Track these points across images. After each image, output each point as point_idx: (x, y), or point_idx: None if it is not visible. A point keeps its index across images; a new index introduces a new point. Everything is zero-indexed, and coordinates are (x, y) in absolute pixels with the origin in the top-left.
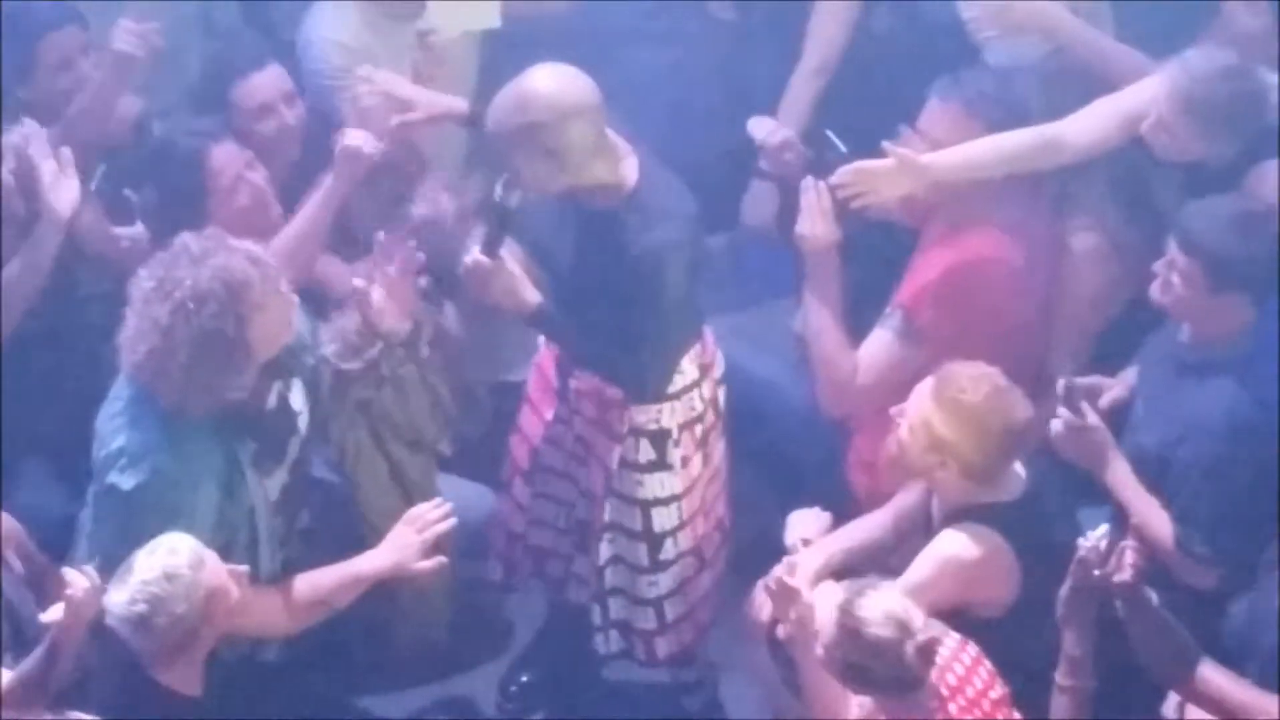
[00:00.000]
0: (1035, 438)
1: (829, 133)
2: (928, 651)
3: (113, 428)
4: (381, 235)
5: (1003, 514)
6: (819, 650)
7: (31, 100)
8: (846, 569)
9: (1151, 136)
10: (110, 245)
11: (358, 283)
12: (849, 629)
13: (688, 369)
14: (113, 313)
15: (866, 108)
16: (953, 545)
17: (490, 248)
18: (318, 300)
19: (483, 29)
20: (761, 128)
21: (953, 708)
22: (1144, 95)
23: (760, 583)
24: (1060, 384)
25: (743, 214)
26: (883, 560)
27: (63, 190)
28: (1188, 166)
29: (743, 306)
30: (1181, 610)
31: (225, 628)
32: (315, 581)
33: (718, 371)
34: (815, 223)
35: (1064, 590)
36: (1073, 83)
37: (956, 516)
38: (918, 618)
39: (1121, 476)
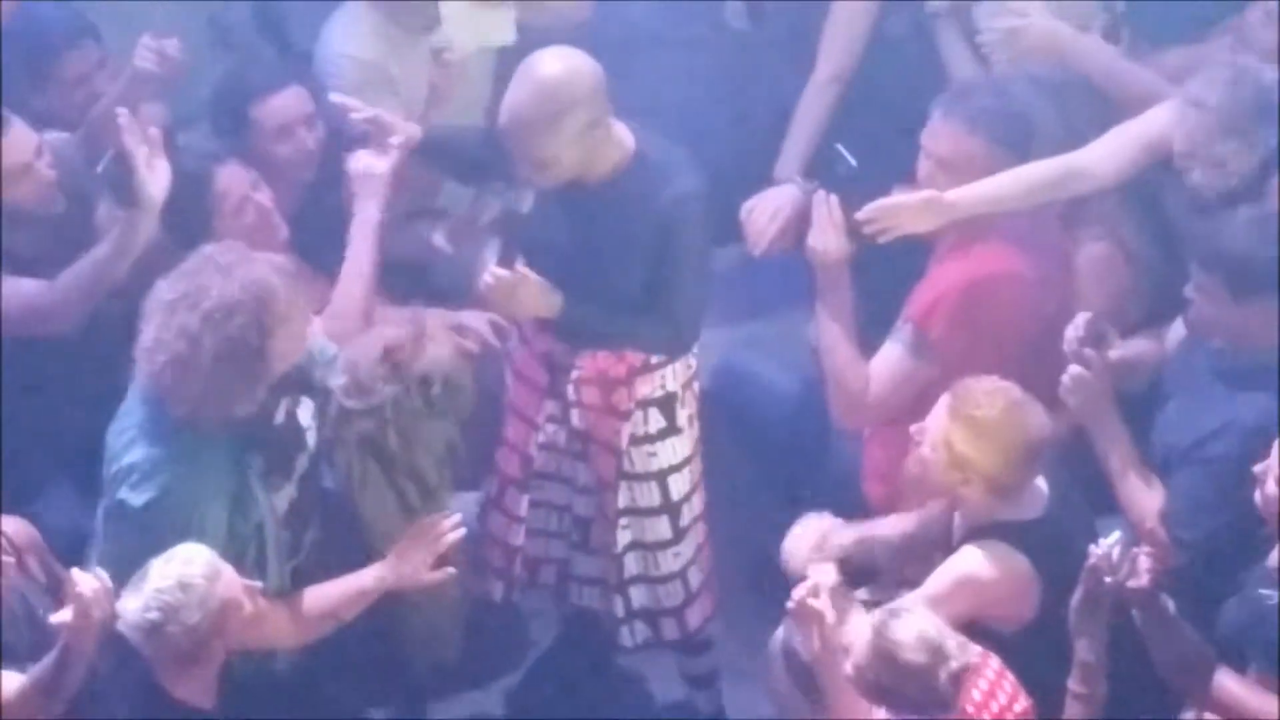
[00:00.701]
0: (1054, 447)
1: (839, 147)
2: (960, 678)
3: (123, 443)
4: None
5: (1025, 532)
6: (849, 669)
7: (48, 112)
8: (855, 564)
9: (1208, 181)
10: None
11: (394, 333)
12: (883, 651)
13: None
14: (127, 322)
15: (880, 116)
16: (972, 563)
17: (508, 259)
18: None
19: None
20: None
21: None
22: (1161, 120)
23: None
24: (1084, 318)
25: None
26: (897, 570)
27: (156, 175)
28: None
29: (756, 315)
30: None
31: (237, 641)
32: (323, 594)
33: None
34: (826, 237)
35: (1076, 597)
36: (1079, 95)
37: (978, 533)
38: (952, 643)
39: (1116, 437)
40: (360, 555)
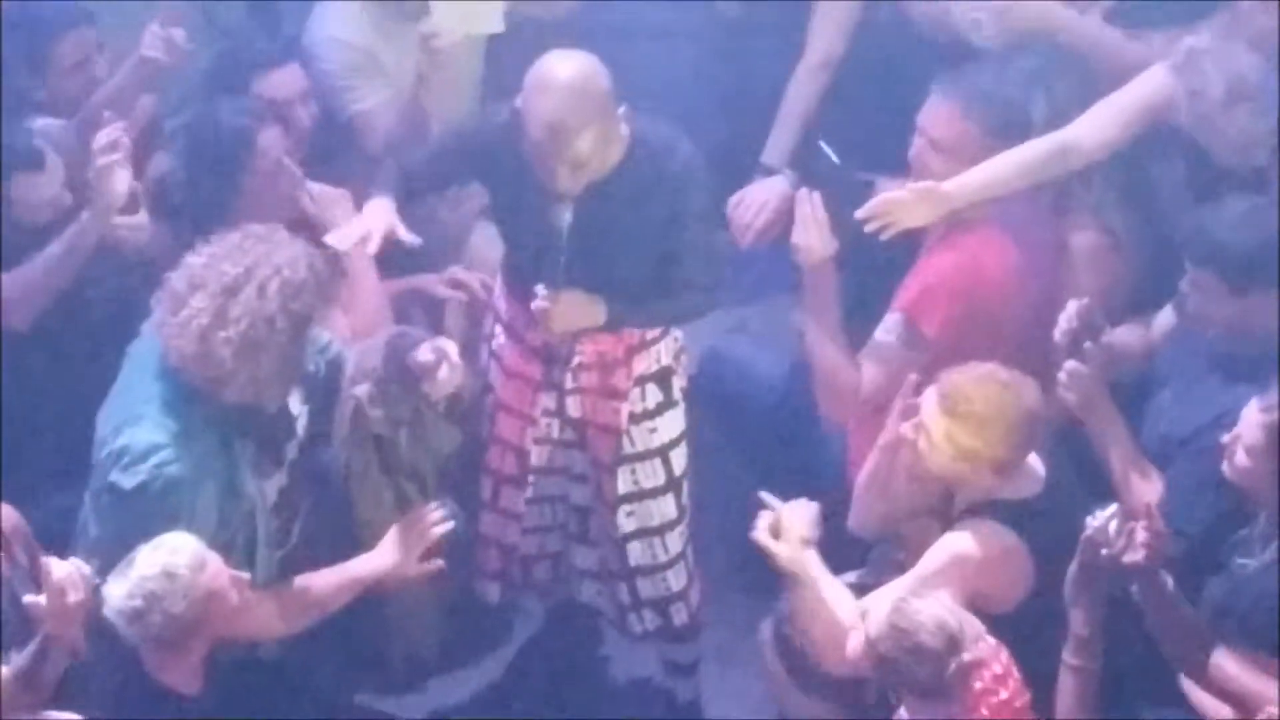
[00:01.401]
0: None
1: (822, 144)
2: (970, 670)
3: (114, 426)
4: None
5: (1022, 511)
6: (861, 641)
7: (42, 98)
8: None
9: (1225, 158)
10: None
11: (428, 356)
12: (900, 630)
13: None
14: (117, 311)
15: (869, 103)
16: (965, 542)
17: (555, 279)
18: None
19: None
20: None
21: (984, 711)
22: (1148, 87)
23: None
24: (1076, 307)
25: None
26: (892, 555)
27: (115, 179)
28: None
29: (745, 301)
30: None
31: (223, 630)
32: (311, 584)
33: None
34: (810, 234)
35: (1072, 569)
36: (1072, 70)
37: (976, 511)
38: (969, 633)
39: (1113, 429)
40: (351, 545)
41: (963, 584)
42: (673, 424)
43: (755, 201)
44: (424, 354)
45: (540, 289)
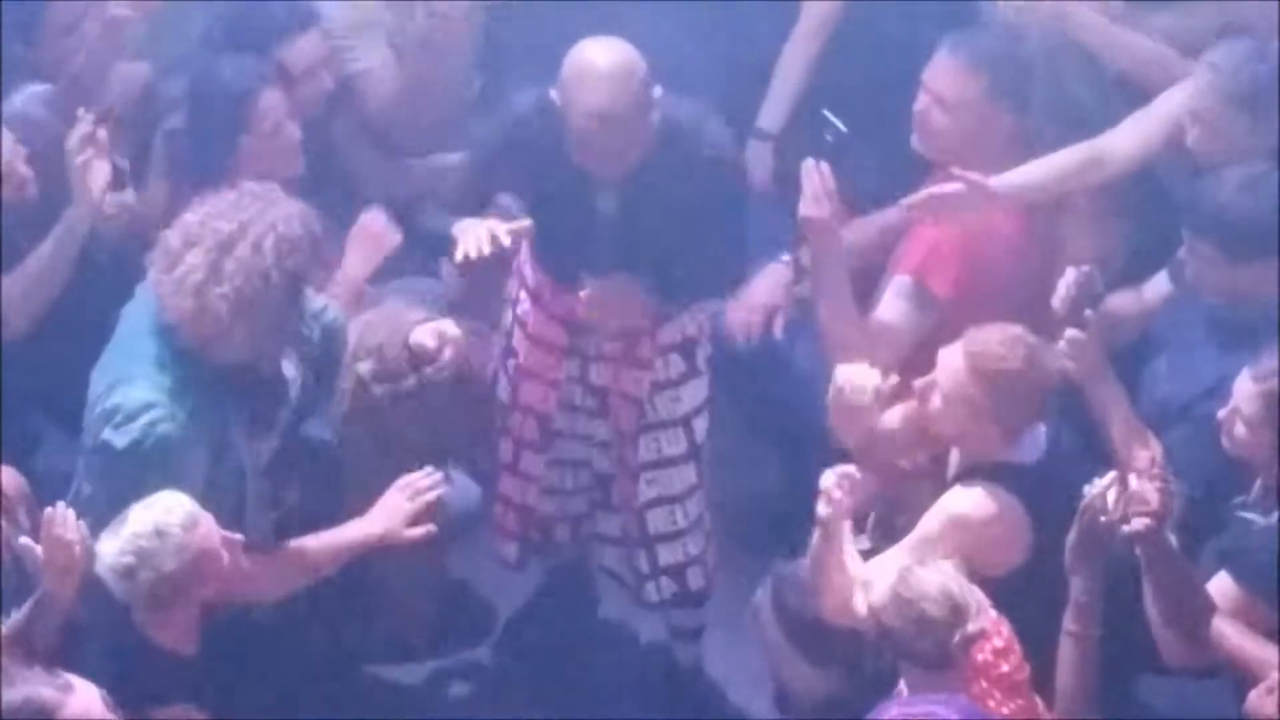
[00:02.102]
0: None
1: (827, 113)
2: (973, 641)
3: (107, 385)
4: None
5: (1022, 475)
6: (865, 607)
7: (36, 61)
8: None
9: (1202, 145)
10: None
11: (430, 341)
12: (904, 599)
13: None
14: (112, 270)
15: (864, 68)
16: (964, 503)
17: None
18: None
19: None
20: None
21: (983, 683)
22: (1176, 100)
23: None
24: (1076, 273)
25: None
26: (889, 519)
27: (95, 174)
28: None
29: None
30: None
31: (215, 590)
32: (304, 548)
33: None
34: (819, 204)
35: (1071, 536)
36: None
37: (974, 472)
38: (973, 604)
39: (1112, 395)
40: (343, 512)
41: (961, 546)
42: (696, 393)
43: (758, 305)
44: (425, 337)
45: (586, 282)
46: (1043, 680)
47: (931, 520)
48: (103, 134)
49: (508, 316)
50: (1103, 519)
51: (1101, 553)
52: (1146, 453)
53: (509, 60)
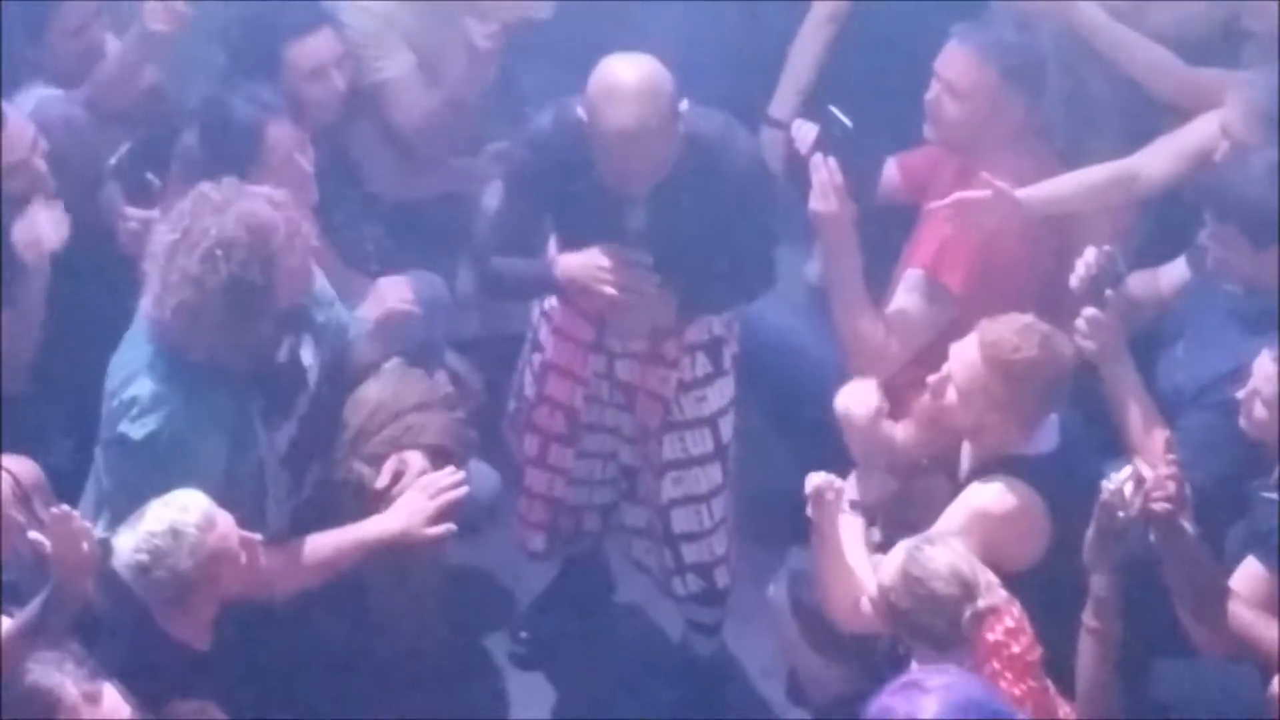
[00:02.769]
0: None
1: (833, 108)
2: (983, 619)
3: (124, 377)
4: None
5: (1037, 466)
6: (874, 589)
7: (41, 63)
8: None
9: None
10: (119, 223)
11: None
12: (913, 578)
13: None
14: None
15: (877, 55)
16: (985, 497)
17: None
18: None
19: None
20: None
21: (995, 664)
22: (1209, 129)
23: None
24: (1095, 253)
25: None
26: (902, 512)
27: (52, 227)
28: None
29: None
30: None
31: (232, 588)
32: (323, 543)
33: None
34: (829, 199)
35: (1090, 532)
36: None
37: (989, 467)
38: (983, 581)
39: (1128, 378)
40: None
41: (983, 539)
42: (722, 393)
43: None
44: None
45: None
46: (1061, 673)
47: (953, 516)
48: (51, 186)
49: (534, 311)
50: (1121, 514)
51: (1121, 548)
52: (1159, 437)
53: (522, 55)
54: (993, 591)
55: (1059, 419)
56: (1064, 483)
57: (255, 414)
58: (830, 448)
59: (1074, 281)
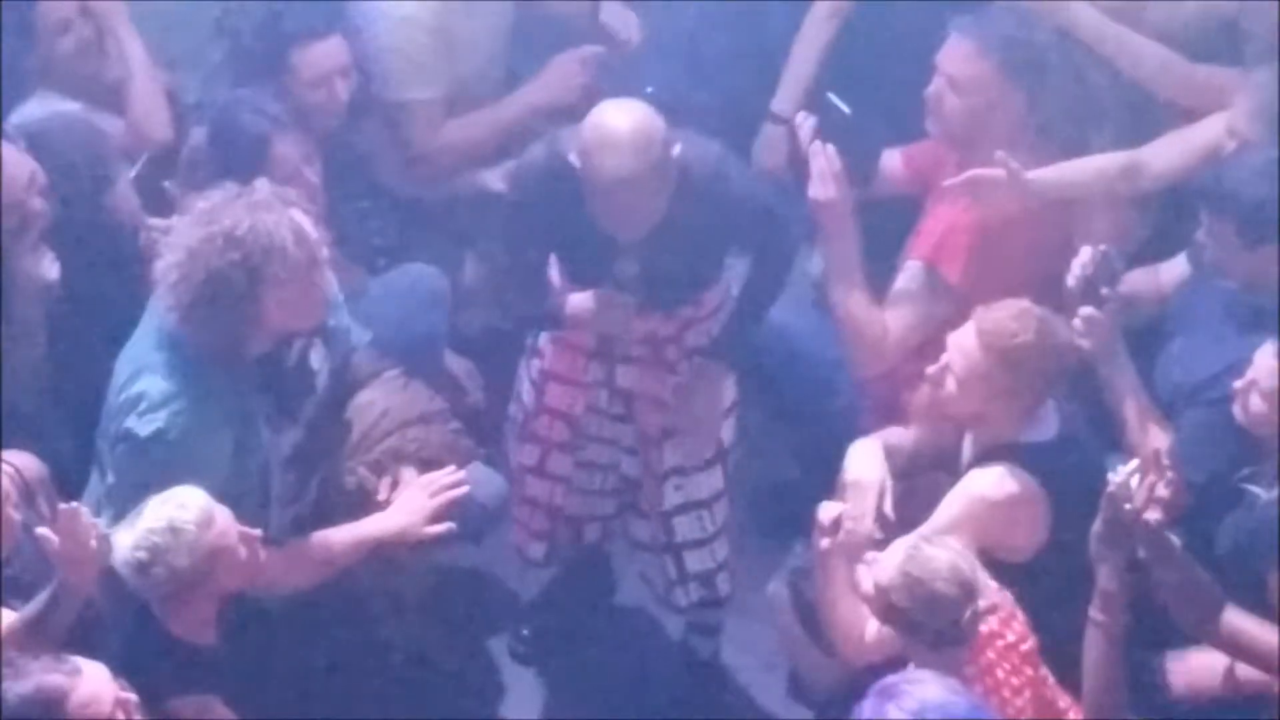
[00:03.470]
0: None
1: (831, 96)
2: (980, 617)
3: (132, 372)
4: None
5: (1037, 454)
6: (870, 588)
7: (42, 70)
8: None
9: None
10: (143, 233)
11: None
12: (913, 577)
13: None
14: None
15: (880, 50)
16: (984, 483)
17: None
18: None
19: None
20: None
21: (990, 654)
22: (1217, 127)
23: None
24: (1091, 253)
25: (755, 157)
26: (900, 511)
27: (47, 263)
28: None
29: None
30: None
31: (232, 585)
32: (322, 541)
33: None
34: (828, 187)
35: (1096, 525)
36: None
37: (989, 456)
38: (981, 579)
39: (1125, 376)
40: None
41: (983, 528)
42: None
43: None
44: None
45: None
46: (1064, 663)
47: (952, 504)
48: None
49: None
50: (1127, 507)
51: (1127, 541)
52: (1157, 433)
53: (527, 51)
54: (988, 590)
55: (1059, 406)
56: (1064, 469)
57: (261, 415)
58: (832, 444)
59: (1070, 281)
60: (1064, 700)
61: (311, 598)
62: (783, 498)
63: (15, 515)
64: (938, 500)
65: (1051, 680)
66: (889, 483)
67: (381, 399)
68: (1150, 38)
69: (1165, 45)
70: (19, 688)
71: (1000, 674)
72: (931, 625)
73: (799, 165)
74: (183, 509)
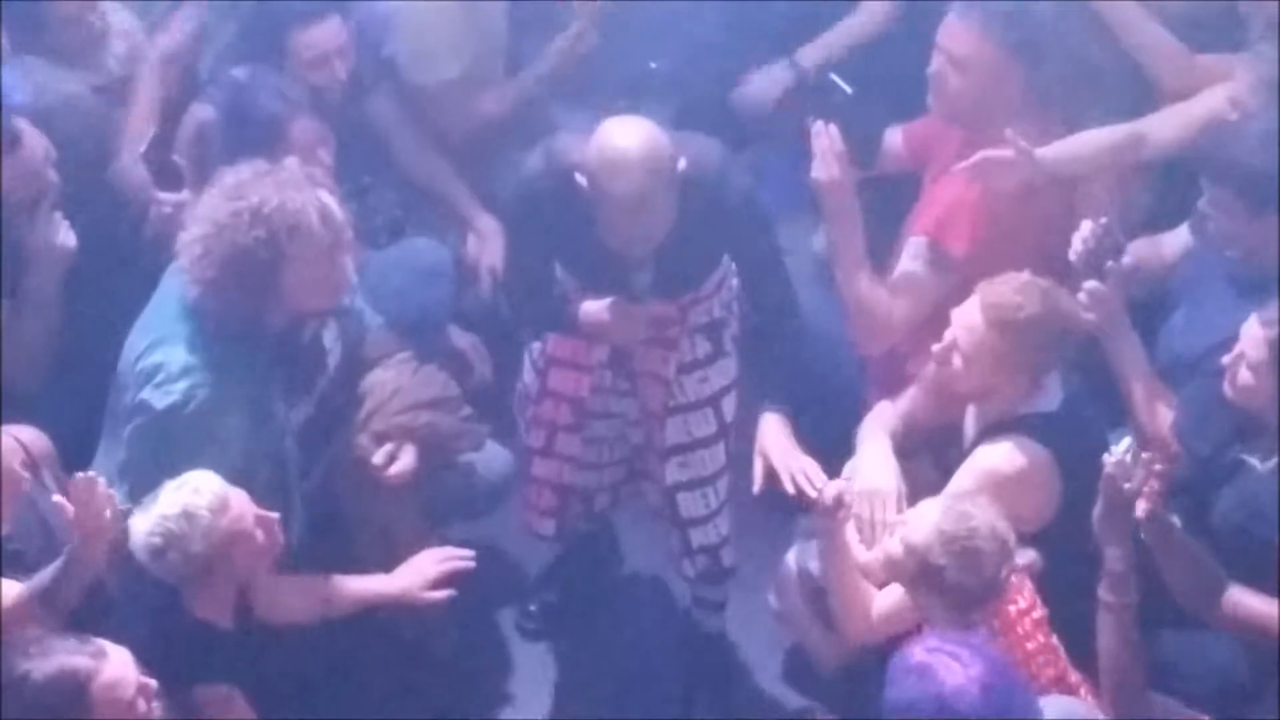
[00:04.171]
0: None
1: (833, 76)
2: (1010, 578)
3: (149, 343)
4: None
5: (1045, 424)
6: (897, 549)
7: (49, 48)
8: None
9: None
10: (154, 207)
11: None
12: (954, 535)
13: None
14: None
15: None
16: (995, 457)
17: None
18: None
19: None
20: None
21: (995, 623)
22: (1218, 98)
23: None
24: (1093, 227)
25: (749, 86)
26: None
27: (64, 233)
28: None
29: None
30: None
31: (250, 568)
32: (329, 584)
33: None
34: (831, 166)
35: (1098, 508)
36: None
37: (996, 430)
38: (1014, 540)
39: (1130, 349)
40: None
41: (996, 499)
42: (723, 373)
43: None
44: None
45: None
46: (1075, 636)
47: (963, 478)
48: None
49: None
50: (1126, 485)
51: (1128, 521)
52: (1160, 404)
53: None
54: (1017, 552)
55: (1061, 378)
56: (1071, 439)
57: (277, 391)
58: (836, 420)
59: (1073, 256)
60: (1074, 675)
61: None
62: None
63: (22, 472)
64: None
65: (1061, 651)
66: (904, 489)
67: (393, 379)
68: (1152, 17)
69: (1167, 26)
70: (44, 667)
71: (1015, 636)
72: (967, 583)
73: (785, 110)
74: (197, 494)
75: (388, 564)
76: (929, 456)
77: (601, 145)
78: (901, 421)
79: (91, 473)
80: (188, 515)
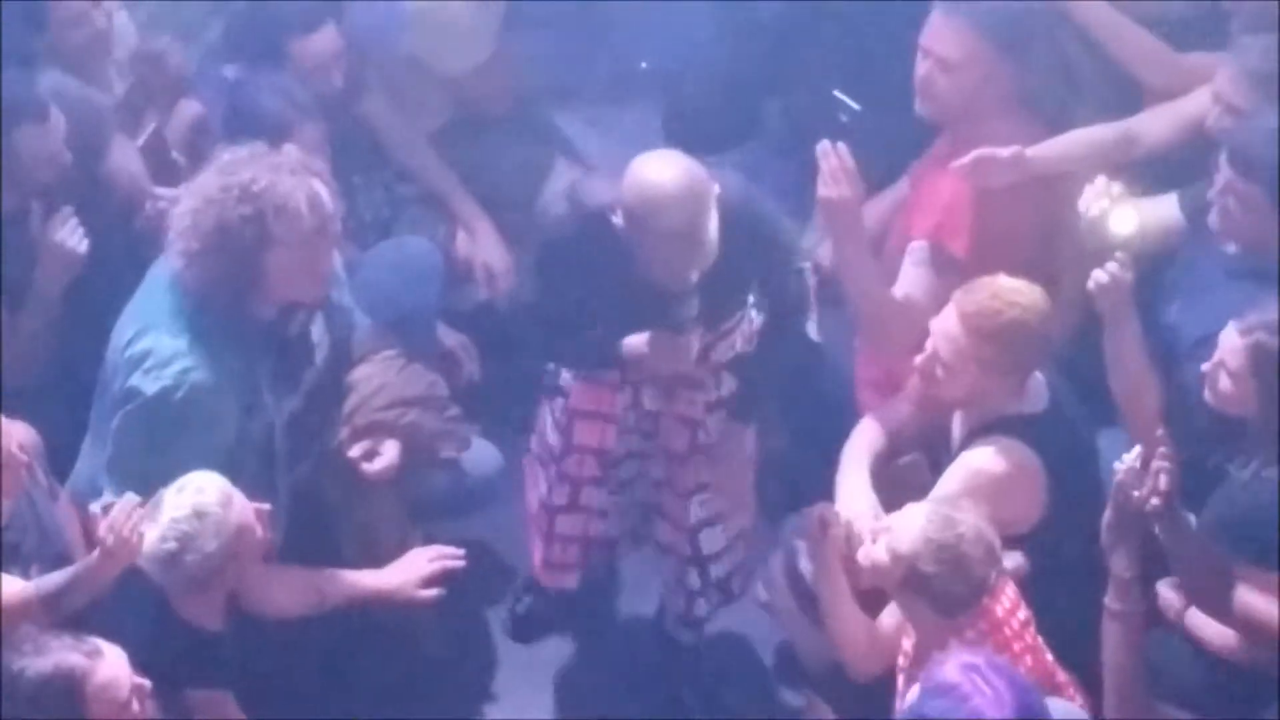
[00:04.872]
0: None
1: (839, 94)
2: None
3: (137, 330)
4: None
5: (1031, 425)
6: (884, 555)
7: (49, 51)
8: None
9: (1221, 124)
10: (149, 203)
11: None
12: (940, 541)
13: None
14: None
15: (859, 39)
16: (982, 458)
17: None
18: None
19: None
20: None
21: (982, 625)
22: (1204, 99)
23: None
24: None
25: None
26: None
27: (72, 238)
28: None
29: None
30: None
31: (249, 562)
32: (321, 577)
33: None
34: (839, 185)
35: (1106, 516)
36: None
37: (982, 431)
38: (999, 546)
39: (1132, 337)
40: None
41: (984, 501)
42: None
43: None
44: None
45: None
46: (1061, 638)
47: (950, 480)
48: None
49: None
50: (1135, 495)
51: (1138, 529)
52: (1151, 397)
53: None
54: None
55: (1046, 380)
56: (1057, 440)
57: (265, 381)
58: (829, 422)
59: (1081, 205)
60: (1061, 674)
61: None
62: (774, 475)
63: (22, 456)
64: (916, 483)
65: (1047, 651)
66: (879, 508)
67: (379, 374)
68: (1135, 17)
69: (1154, 27)
70: (39, 665)
71: (1008, 631)
72: (954, 589)
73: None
74: (202, 492)
75: (369, 560)
76: (922, 458)
77: (641, 184)
78: (888, 437)
79: (132, 494)
80: (199, 514)
